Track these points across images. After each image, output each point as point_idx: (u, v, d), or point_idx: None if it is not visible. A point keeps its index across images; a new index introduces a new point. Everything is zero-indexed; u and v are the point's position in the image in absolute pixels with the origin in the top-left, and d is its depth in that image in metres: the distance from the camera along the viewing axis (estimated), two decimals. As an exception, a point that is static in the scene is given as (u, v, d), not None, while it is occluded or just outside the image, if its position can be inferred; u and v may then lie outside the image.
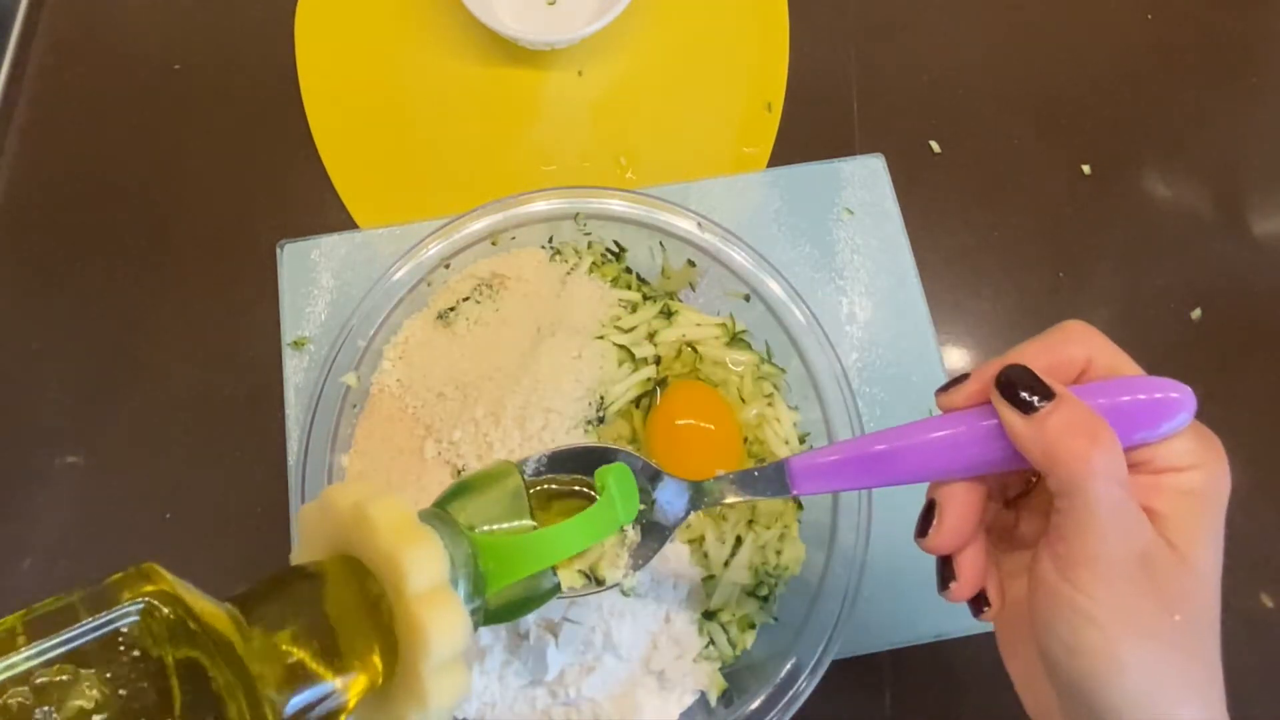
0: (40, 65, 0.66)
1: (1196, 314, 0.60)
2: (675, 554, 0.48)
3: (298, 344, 0.57)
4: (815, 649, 0.45)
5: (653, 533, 0.38)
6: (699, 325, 0.53)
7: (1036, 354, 0.30)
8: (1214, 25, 0.69)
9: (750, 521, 0.49)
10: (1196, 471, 0.28)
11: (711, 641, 0.47)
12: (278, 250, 0.59)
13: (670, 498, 0.38)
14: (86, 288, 0.59)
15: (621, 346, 0.51)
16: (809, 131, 0.64)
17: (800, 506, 0.50)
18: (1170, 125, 0.66)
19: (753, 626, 0.48)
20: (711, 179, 0.62)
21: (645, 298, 0.54)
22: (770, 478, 0.35)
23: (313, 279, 0.59)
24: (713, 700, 0.46)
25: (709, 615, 0.47)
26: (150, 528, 0.54)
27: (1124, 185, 0.64)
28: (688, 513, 0.38)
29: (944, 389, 0.31)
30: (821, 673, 0.44)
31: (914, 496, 0.49)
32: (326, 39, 0.67)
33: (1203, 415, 0.30)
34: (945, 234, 0.62)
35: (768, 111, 0.65)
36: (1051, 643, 0.28)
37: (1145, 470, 0.29)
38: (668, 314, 0.53)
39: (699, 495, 0.38)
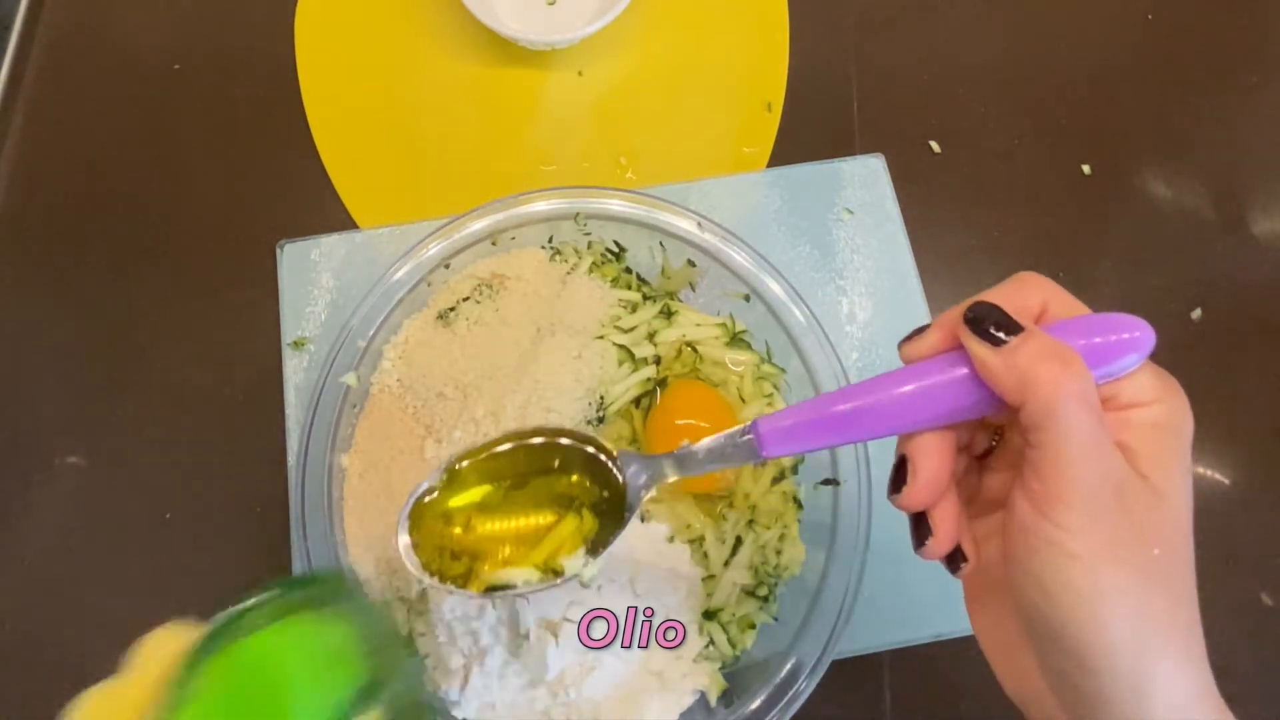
0: (40, 65, 0.66)
1: (1197, 314, 0.60)
2: (675, 554, 0.48)
3: (298, 344, 0.57)
4: (815, 649, 0.45)
5: (612, 516, 0.36)
6: (699, 325, 0.53)
7: (1000, 298, 0.30)
8: (1214, 25, 0.69)
9: (750, 521, 0.49)
10: (1160, 405, 0.28)
11: (711, 641, 0.47)
12: (278, 250, 0.59)
13: (632, 475, 0.36)
14: (87, 287, 0.59)
15: (621, 346, 0.51)
16: (809, 131, 0.64)
17: (800, 506, 0.50)
18: (1170, 125, 0.66)
19: (753, 626, 0.48)
20: (711, 179, 0.62)
21: (645, 298, 0.54)
22: (737, 443, 0.33)
23: (313, 279, 0.59)
24: (713, 700, 0.46)
25: (709, 615, 0.47)
26: (150, 528, 0.54)
27: (1124, 185, 0.64)
28: (649, 489, 0.36)
29: (907, 339, 0.31)
30: (821, 673, 0.44)
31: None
32: (326, 39, 0.67)
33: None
34: (945, 234, 0.62)
35: (768, 111, 0.65)
36: (1029, 588, 0.28)
37: (1112, 406, 0.29)
38: (668, 314, 0.53)
39: (659, 469, 0.36)
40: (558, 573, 0.36)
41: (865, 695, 0.52)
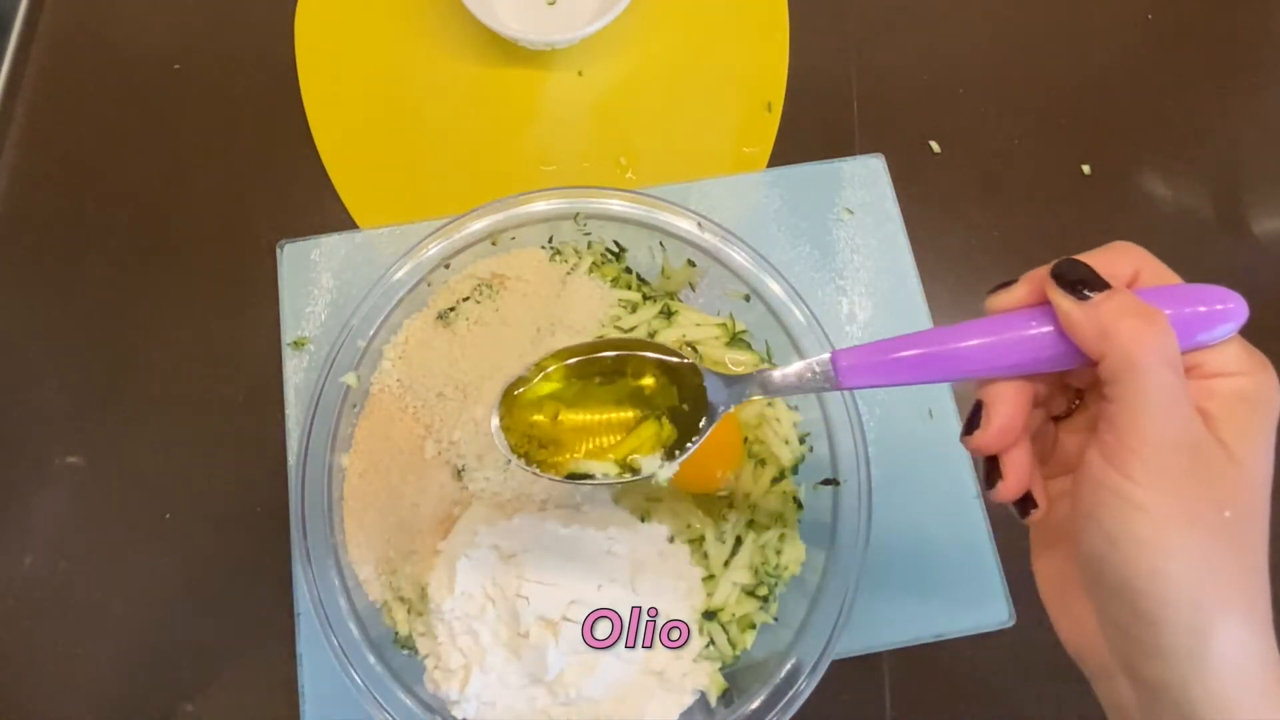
0: (40, 65, 0.66)
1: (1196, 314, 0.60)
2: (675, 554, 0.48)
3: (298, 344, 0.57)
4: (815, 649, 0.45)
5: (690, 426, 0.38)
6: (699, 325, 0.53)
7: (1090, 262, 0.30)
8: (1214, 25, 0.69)
9: (750, 521, 0.49)
10: (1247, 378, 0.29)
11: (711, 641, 0.47)
12: (278, 250, 0.59)
13: (713, 391, 0.38)
14: (86, 288, 0.59)
15: (621, 346, 0.51)
16: (809, 131, 0.64)
17: (800, 506, 0.50)
18: (1170, 125, 0.66)
19: (753, 626, 0.48)
20: (711, 179, 0.62)
21: (645, 298, 0.54)
22: (815, 372, 0.35)
23: (313, 279, 0.59)
24: (713, 700, 0.46)
25: (709, 615, 0.47)
26: (150, 528, 0.54)
27: (1124, 185, 0.64)
28: (729, 405, 0.38)
29: (994, 290, 0.32)
30: (821, 673, 0.45)
31: (914, 498, 0.49)
32: (326, 39, 0.67)
33: None
34: (945, 234, 0.62)
35: (768, 111, 0.65)
36: (1096, 538, 0.28)
37: (1197, 375, 0.29)
38: (668, 314, 0.53)
39: (740, 387, 0.38)
40: (635, 470, 0.39)
41: (865, 695, 0.52)
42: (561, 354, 0.40)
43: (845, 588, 0.46)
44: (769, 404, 0.51)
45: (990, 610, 0.53)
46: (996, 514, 0.55)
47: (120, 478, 0.55)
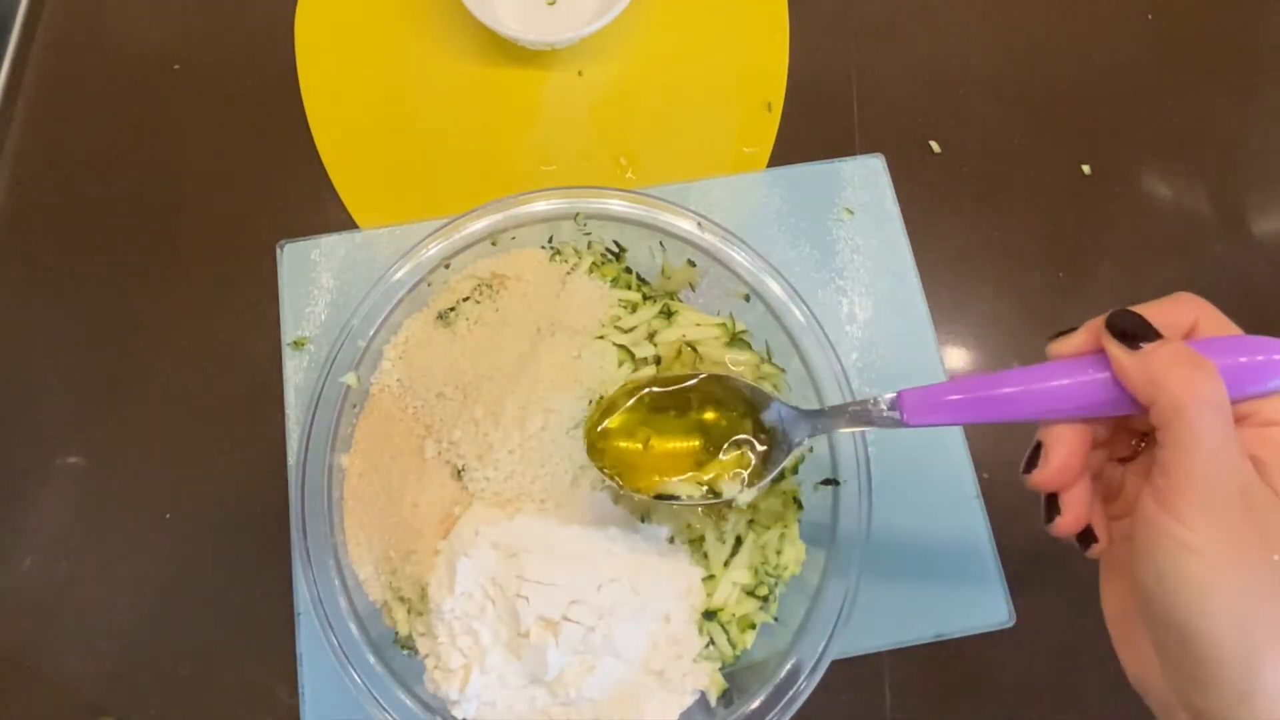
0: (40, 65, 0.66)
1: (1196, 314, 0.60)
2: (675, 554, 0.48)
3: (298, 344, 0.57)
4: (815, 649, 0.45)
5: (771, 455, 0.42)
6: (699, 325, 0.53)
7: (1147, 312, 0.32)
8: (1214, 25, 0.69)
9: (750, 521, 0.49)
10: None
11: (711, 641, 0.47)
12: (278, 250, 0.59)
13: (789, 424, 0.42)
14: (87, 288, 0.59)
15: (621, 346, 0.51)
16: (809, 131, 0.64)
17: (800, 506, 0.50)
18: (1170, 125, 0.66)
19: (753, 626, 0.48)
20: (711, 179, 0.62)
21: (645, 298, 0.54)
22: (883, 409, 0.37)
23: (313, 279, 0.59)
24: (713, 700, 0.46)
25: (709, 615, 0.47)
26: (150, 528, 0.54)
27: (1124, 185, 0.64)
28: (805, 438, 0.41)
29: (1055, 337, 0.34)
30: (821, 673, 0.44)
31: (914, 498, 0.49)
32: (326, 39, 0.67)
33: None
34: (945, 234, 0.62)
35: (768, 111, 0.65)
36: (1148, 575, 0.29)
37: (1252, 423, 0.30)
38: (668, 314, 0.53)
39: (817, 422, 0.41)
40: (717, 494, 0.42)
41: (865, 695, 0.52)
42: (658, 380, 0.45)
43: (845, 588, 0.46)
44: (769, 404, 0.51)
45: (990, 610, 0.53)
46: (996, 514, 0.55)
47: (120, 478, 0.55)
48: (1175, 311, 0.32)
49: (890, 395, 0.37)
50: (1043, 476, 0.33)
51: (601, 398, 0.50)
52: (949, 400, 0.35)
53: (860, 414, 0.39)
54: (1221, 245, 0.63)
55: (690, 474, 0.44)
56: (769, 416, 0.43)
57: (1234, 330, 0.32)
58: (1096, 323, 0.32)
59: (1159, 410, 0.29)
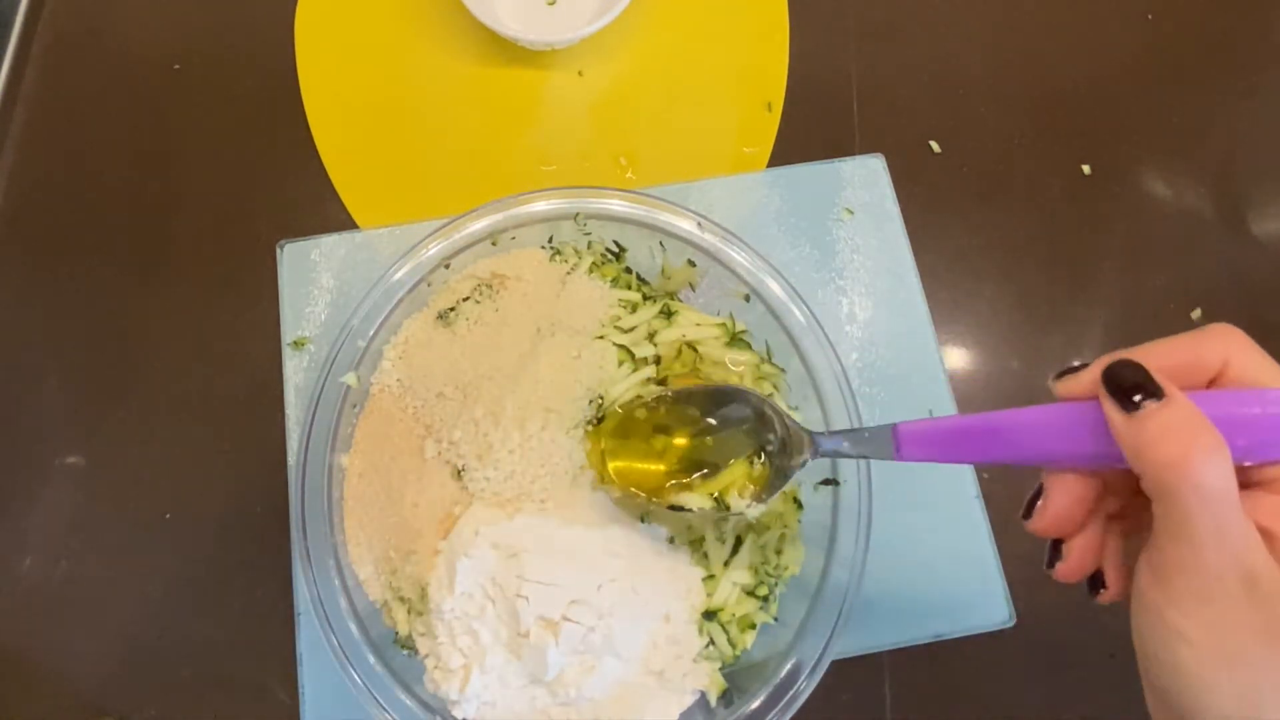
0: (40, 65, 0.66)
1: (1196, 314, 0.60)
2: (675, 554, 0.48)
3: (298, 344, 0.57)
4: (815, 649, 0.45)
5: (777, 471, 0.42)
6: (699, 325, 0.53)
7: (1168, 351, 0.28)
8: (1214, 25, 0.69)
9: (750, 521, 0.49)
10: None
11: (711, 641, 0.47)
12: (278, 250, 0.59)
13: (794, 443, 0.42)
14: (87, 288, 0.59)
15: (621, 346, 0.51)
16: (809, 131, 0.64)
17: (800, 506, 0.50)
18: (1170, 125, 0.66)
19: (753, 626, 0.48)
20: (711, 179, 0.62)
21: (645, 298, 0.54)
22: (878, 439, 0.36)
23: (313, 279, 0.59)
24: (713, 700, 0.46)
25: (709, 615, 0.47)
26: (150, 528, 0.54)
27: (1124, 185, 0.64)
28: (807, 459, 0.41)
29: (1061, 375, 0.30)
30: (821, 673, 0.44)
31: (914, 498, 0.49)
32: (326, 39, 0.67)
33: None
34: (945, 234, 0.62)
35: (768, 111, 0.65)
36: (1144, 652, 0.27)
37: (1274, 490, 0.27)
38: (668, 314, 0.53)
39: (816, 444, 0.40)
40: (727, 506, 0.43)
41: (865, 695, 0.52)
42: (674, 394, 0.45)
43: (845, 588, 0.46)
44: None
45: (990, 610, 0.53)
46: (996, 514, 0.55)
47: (120, 478, 0.55)
48: (1203, 348, 0.28)
49: (885, 426, 0.35)
50: (1039, 524, 0.31)
51: (602, 404, 0.50)
52: (940, 434, 0.33)
53: (855, 440, 0.38)
54: (1221, 245, 0.63)
55: (699, 484, 0.44)
56: (775, 433, 0.42)
57: (1269, 368, 0.28)
58: (1106, 360, 0.29)
59: (1147, 486, 0.26)
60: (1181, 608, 0.26)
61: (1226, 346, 0.28)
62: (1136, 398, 0.27)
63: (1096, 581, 0.31)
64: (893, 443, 0.35)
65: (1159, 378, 0.27)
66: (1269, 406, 0.27)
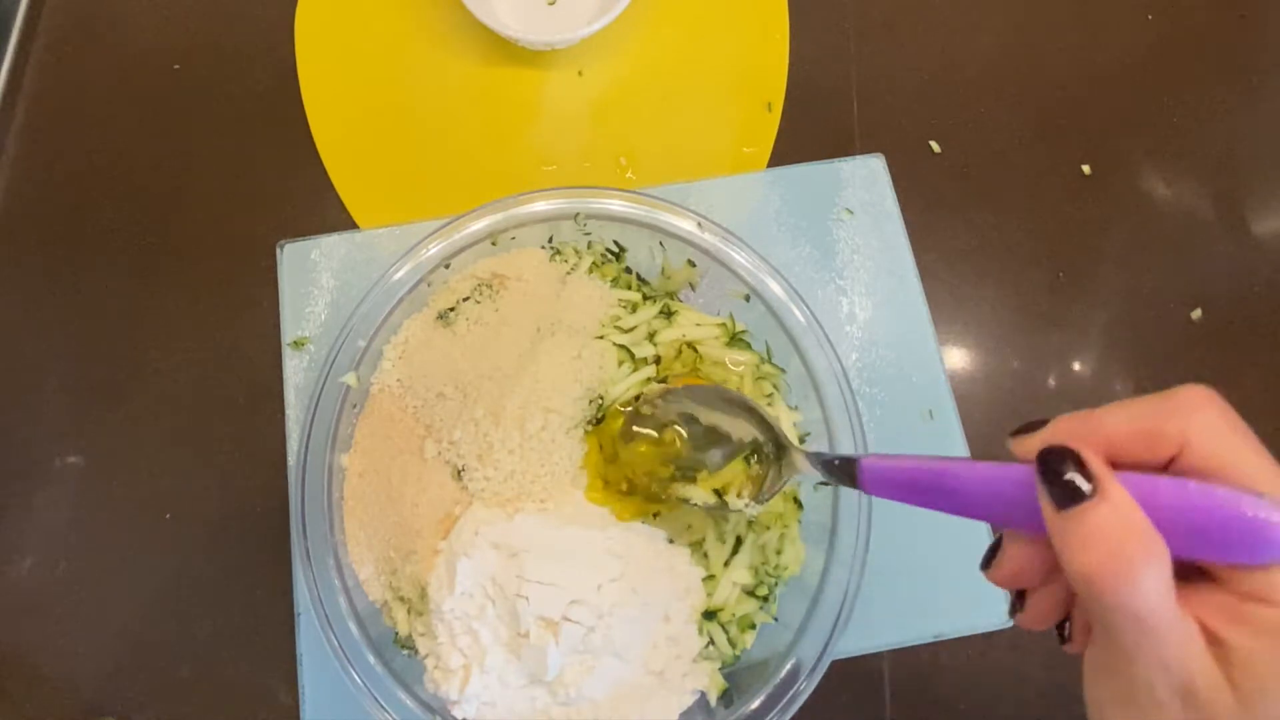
0: (40, 65, 0.66)
1: (1196, 314, 0.60)
2: (675, 554, 0.48)
3: (298, 344, 0.57)
4: (815, 649, 0.45)
5: (771, 476, 0.43)
6: (699, 325, 0.53)
7: (1128, 417, 0.25)
8: (1214, 25, 0.69)
9: (750, 521, 0.49)
10: None
11: (711, 641, 0.47)
12: (278, 250, 0.59)
13: (785, 456, 0.43)
14: (86, 288, 0.59)
15: (621, 346, 0.51)
16: (809, 131, 0.64)
17: (800, 506, 0.50)
18: (1170, 125, 0.66)
19: (753, 626, 0.48)
20: (711, 179, 0.62)
21: (645, 298, 0.54)
22: (844, 469, 0.35)
23: (313, 279, 0.59)
24: (713, 700, 0.46)
25: (709, 615, 0.47)
26: (150, 528, 0.54)
27: (1124, 185, 0.64)
28: (791, 476, 0.42)
29: (1017, 432, 0.28)
30: (821, 673, 0.44)
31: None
32: (326, 39, 0.67)
33: None
34: (945, 234, 0.62)
35: (768, 111, 0.65)
36: None
37: (1227, 590, 0.24)
38: (668, 314, 0.53)
39: (796, 463, 0.41)
40: (725, 504, 0.44)
41: (865, 695, 0.52)
42: (685, 393, 0.46)
43: (845, 588, 0.46)
44: (769, 404, 0.51)
45: (990, 610, 0.53)
46: (996, 514, 0.55)
47: (120, 478, 0.55)
48: (1163, 418, 0.25)
49: (850, 458, 0.35)
50: (995, 578, 0.29)
51: (602, 404, 0.50)
52: (905, 478, 0.31)
53: (825, 465, 0.38)
54: (1221, 245, 0.63)
55: (704, 478, 0.45)
56: (769, 438, 0.44)
57: (1238, 444, 0.25)
58: (1061, 428, 0.27)
59: (1077, 591, 0.24)
60: (1118, 709, 0.24)
61: (1189, 421, 0.25)
62: (1069, 490, 0.24)
63: (1063, 631, 0.29)
64: (858, 476, 0.34)
65: (1096, 469, 0.25)
66: (1217, 509, 0.24)
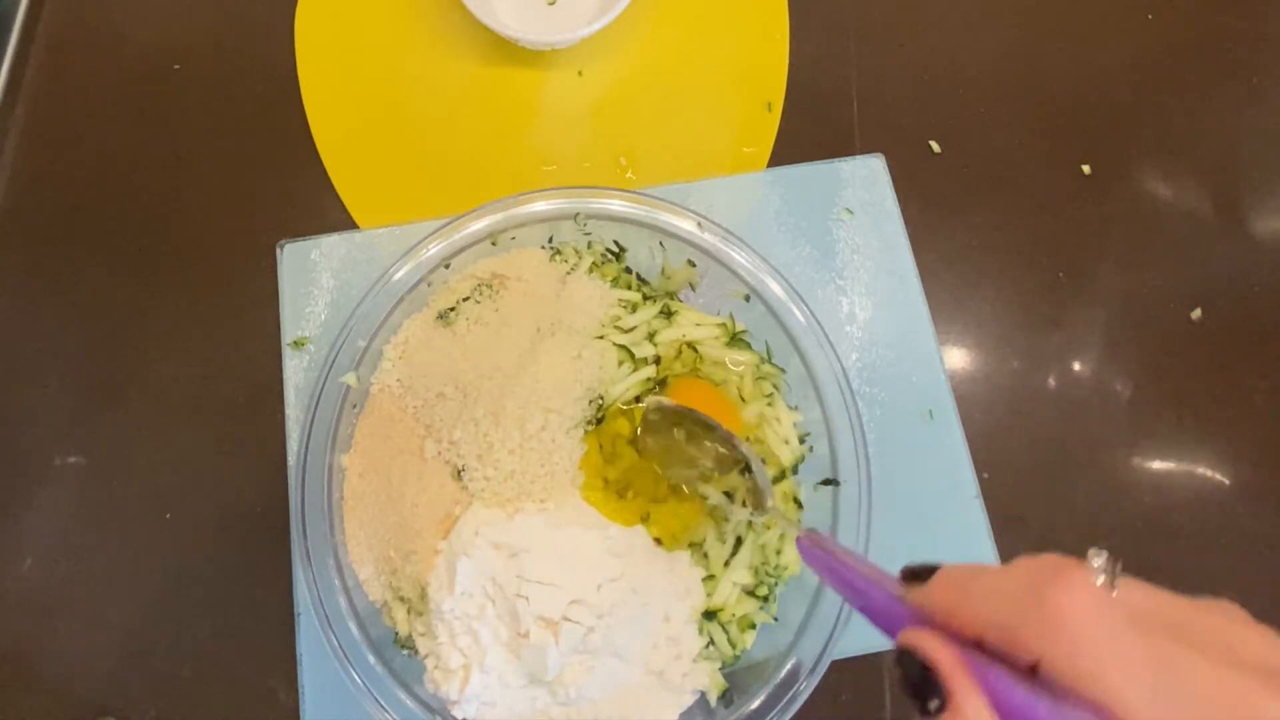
0: (40, 65, 0.66)
1: (1196, 314, 0.60)
2: (675, 554, 0.48)
3: (298, 344, 0.57)
4: (815, 649, 0.45)
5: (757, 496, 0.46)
6: (699, 325, 0.53)
7: (996, 609, 0.25)
8: (1214, 25, 0.69)
9: (750, 521, 0.49)
10: None
11: (711, 641, 0.47)
12: (278, 250, 0.59)
13: (759, 475, 0.46)
14: (86, 288, 0.59)
15: (621, 346, 0.51)
16: (809, 131, 0.64)
17: (800, 506, 0.50)
18: (1170, 125, 0.66)
19: (753, 626, 0.48)
20: (711, 179, 0.62)
21: (645, 298, 0.54)
22: (793, 531, 0.39)
23: (313, 279, 0.59)
24: (713, 700, 0.46)
25: (709, 615, 0.47)
26: (150, 528, 0.54)
27: (1124, 185, 0.64)
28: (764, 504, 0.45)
29: (908, 577, 0.28)
30: (821, 673, 0.45)
31: (914, 498, 0.48)
32: (326, 39, 0.67)
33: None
34: (945, 234, 0.62)
35: (768, 111, 0.65)
36: None
37: None
38: (668, 314, 0.53)
39: (765, 500, 0.45)
40: (731, 502, 0.47)
41: (865, 695, 0.52)
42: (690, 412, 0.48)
43: (845, 588, 0.46)
44: (769, 404, 0.51)
45: (990, 610, 0.53)
46: (996, 514, 0.55)
47: (120, 478, 0.55)
48: (1024, 630, 0.24)
49: (805, 529, 0.37)
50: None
51: (602, 404, 0.50)
52: (825, 568, 0.34)
53: (786, 524, 0.43)
54: (1221, 245, 0.63)
55: (716, 479, 0.47)
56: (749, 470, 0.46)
57: (1105, 661, 0.23)
58: (936, 595, 0.26)
59: None
60: None
61: (1050, 643, 0.23)
62: (924, 700, 0.24)
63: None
64: (803, 540, 0.36)
65: (948, 678, 0.24)
66: None
